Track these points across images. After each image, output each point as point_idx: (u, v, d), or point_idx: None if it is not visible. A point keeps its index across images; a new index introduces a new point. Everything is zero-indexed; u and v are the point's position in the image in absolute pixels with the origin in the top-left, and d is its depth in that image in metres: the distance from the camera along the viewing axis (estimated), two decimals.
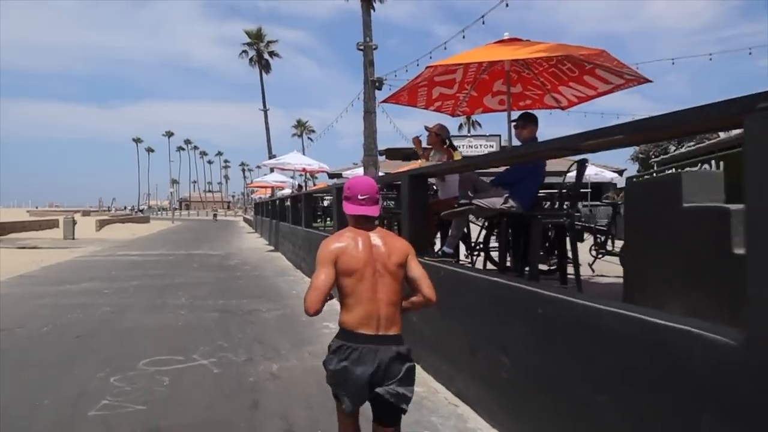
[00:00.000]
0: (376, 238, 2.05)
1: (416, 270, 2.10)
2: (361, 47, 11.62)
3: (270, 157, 27.60)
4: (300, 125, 57.67)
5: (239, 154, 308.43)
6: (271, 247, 15.95)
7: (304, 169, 15.74)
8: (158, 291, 7.73)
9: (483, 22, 9.61)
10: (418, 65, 10.01)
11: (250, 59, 34.98)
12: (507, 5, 8.95)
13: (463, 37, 9.74)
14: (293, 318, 5.88)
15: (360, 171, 17.41)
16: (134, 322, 5.70)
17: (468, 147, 27.35)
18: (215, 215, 51.82)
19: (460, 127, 46.32)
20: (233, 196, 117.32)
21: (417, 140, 5.01)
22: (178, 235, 24.07)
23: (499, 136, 27.71)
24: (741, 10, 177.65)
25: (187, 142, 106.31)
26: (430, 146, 4.91)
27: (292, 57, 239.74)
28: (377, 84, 11.55)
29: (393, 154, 29.27)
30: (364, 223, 2.08)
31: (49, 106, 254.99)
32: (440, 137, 4.85)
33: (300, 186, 15.56)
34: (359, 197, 2.06)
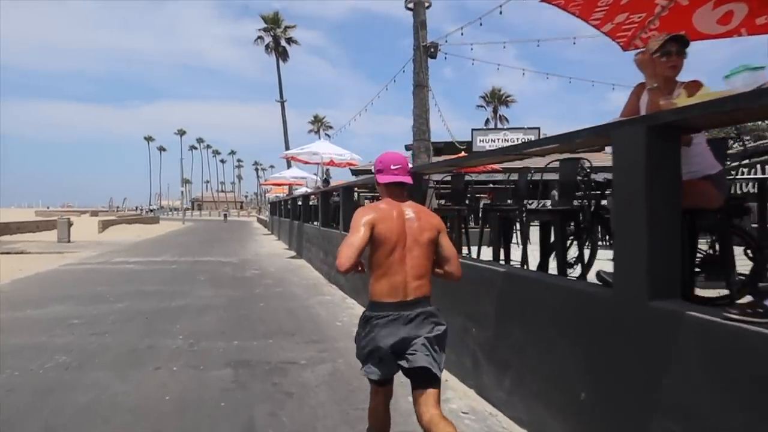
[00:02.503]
0: (409, 211, 2.09)
1: (447, 249, 2.13)
2: (411, 5, 9.27)
3: (282, 155, 25.28)
4: (317, 121, 55.02)
5: (253, 153, 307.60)
6: (293, 253, 13.69)
7: (331, 162, 13.43)
8: (148, 323, 5.47)
9: (480, 24, 9.67)
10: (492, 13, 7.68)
11: (266, 46, 32.44)
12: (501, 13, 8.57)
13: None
14: (354, 381, 3.54)
15: None
16: (93, 391, 3.42)
17: (503, 141, 24.93)
18: (225, 215, 50.92)
19: (487, 121, 43.69)
20: (246, 196, 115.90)
21: (647, 59, 2.51)
22: (187, 237, 21.96)
23: (538, 128, 25.18)
24: None
25: (200, 140, 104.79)
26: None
27: (305, 57, 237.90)
28: (431, 51, 9.16)
29: None
30: (398, 194, 2.14)
31: (66, 107, 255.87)
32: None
33: (327, 181, 13.24)
34: (392, 167, 2.13)
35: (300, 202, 13.26)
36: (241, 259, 12.41)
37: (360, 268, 2.07)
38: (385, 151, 2.28)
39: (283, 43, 32.40)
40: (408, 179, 2.15)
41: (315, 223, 11.96)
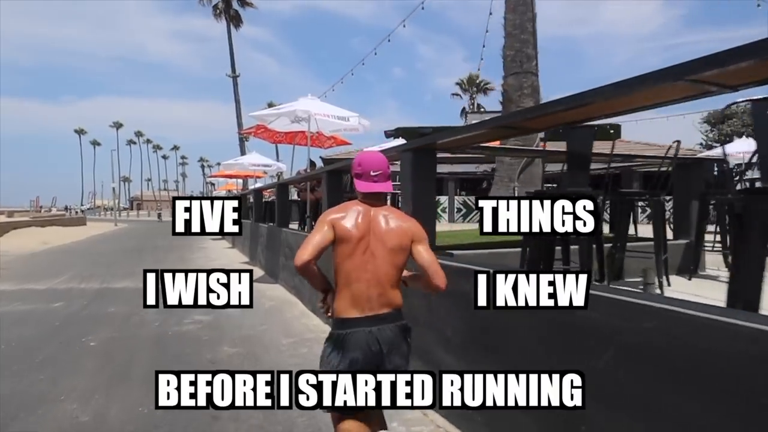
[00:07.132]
0: (381, 215, 1.90)
1: (424, 256, 1.88)
2: None
3: (240, 131, 20.24)
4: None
5: (198, 151, 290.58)
6: (259, 271, 9.30)
7: (319, 134, 9.12)
8: None
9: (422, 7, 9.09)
10: None
11: (215, 7, 26.90)
12: None
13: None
14: None
15: (389, 145, 10.95)
16: None
17: None
18: (159, 215, 47.07)
19: (463, 110, 40.47)
20: (191, 195, 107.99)
21: None
22: (110, 245, 16.94)
23: None
24: (684, 19, 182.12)
25: (138, 134, 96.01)
26: None
27: (253, 53, 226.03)
28: None
29: (407, 134, 22.97)
30: (375, 200, 1.95)
31: None
32: None
33: (312, 162, 8.99)
34: (371, 173, 1.94)
35: (273, 196, 8.92)
36: None
37: (326, 312, 1.94)
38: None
39: (235, 6, 27.04)
40: (388, 188, 1.94)
41: (295, 227, 7.74)
